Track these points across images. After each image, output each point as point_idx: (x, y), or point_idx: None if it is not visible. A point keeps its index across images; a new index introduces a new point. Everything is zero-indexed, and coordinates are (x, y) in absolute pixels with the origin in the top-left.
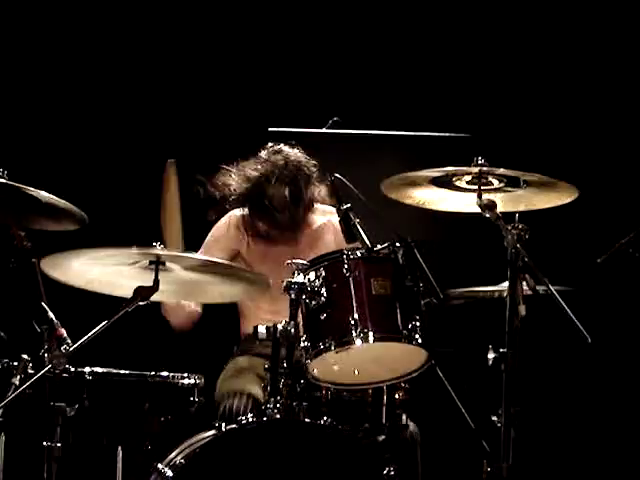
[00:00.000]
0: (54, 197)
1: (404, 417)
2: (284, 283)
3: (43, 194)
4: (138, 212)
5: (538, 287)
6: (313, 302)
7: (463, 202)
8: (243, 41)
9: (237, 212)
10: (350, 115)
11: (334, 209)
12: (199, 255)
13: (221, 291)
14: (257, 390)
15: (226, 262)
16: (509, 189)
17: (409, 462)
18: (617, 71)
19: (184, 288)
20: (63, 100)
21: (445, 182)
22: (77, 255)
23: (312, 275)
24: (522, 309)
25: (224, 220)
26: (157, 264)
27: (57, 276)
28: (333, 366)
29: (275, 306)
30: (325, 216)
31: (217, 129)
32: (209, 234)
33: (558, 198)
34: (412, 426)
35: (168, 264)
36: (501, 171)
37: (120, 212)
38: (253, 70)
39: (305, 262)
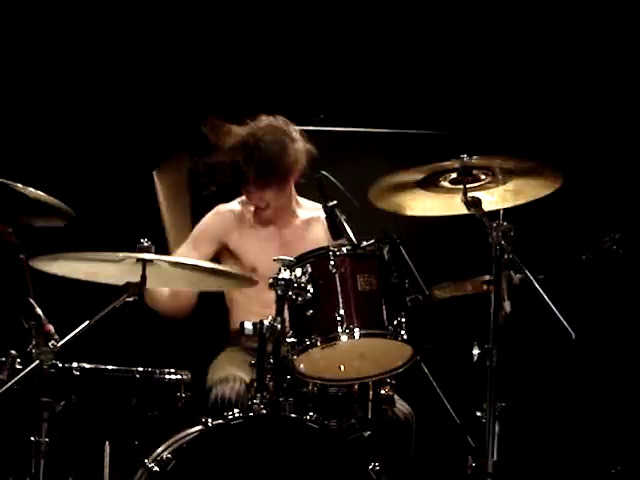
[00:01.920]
0: (41, 193)
1: (396, 399)
2: (270, 280)
3: (30, 190)
4: (126, 207)
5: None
6: (299, 298)
7: (450, 206)
8: (228, 38)
9: (225, 205)
10: (334, 112)
11: None
12: (185, 259)
13: (209, 284)
14: (247, 377)
15: (213, 265)
16: (494, 184)
17: (402, 445)
18: (599, 62)
19: (172, 281)
20: (50, 96)
21: (430, 183)
22: (63, 258)
23: (298, 271)
24: (507, 305)
25: (212, 213)
26: (144, 262)
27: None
28: (319, 362)
29: (264, 298)
30: (315, 211)
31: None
32: (196, 227)
33: (543, 187)
34: (406, 408)
35: (156, 261)
36: (482, 162)
37: (108, 207)
38: (238, 67)
39: (291, 258)
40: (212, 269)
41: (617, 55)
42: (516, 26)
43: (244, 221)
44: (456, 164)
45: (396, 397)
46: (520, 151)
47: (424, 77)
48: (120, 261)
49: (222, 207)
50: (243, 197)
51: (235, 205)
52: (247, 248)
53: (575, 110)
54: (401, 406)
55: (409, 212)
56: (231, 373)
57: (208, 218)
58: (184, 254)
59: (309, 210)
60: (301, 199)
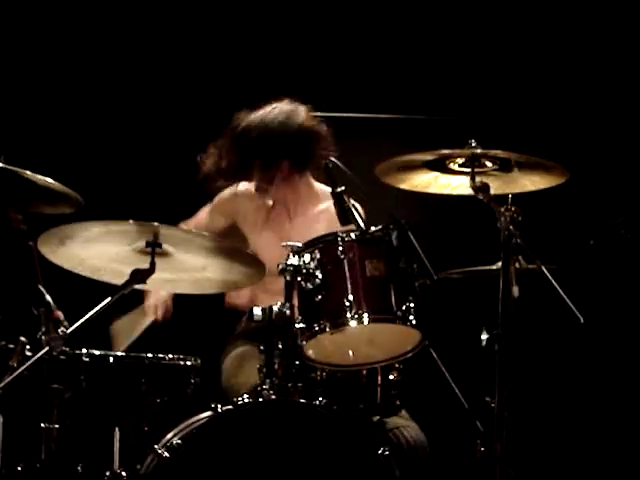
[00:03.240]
0: (50, 180)
1: (410, 425)
2: (279, 266)
3: (39, 177)
4: (136, 196)
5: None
6: (308, 284)
7: (456, 184)
8: (234, 27)
9: (247, 185)
10: (342, 98)
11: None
12: (195, 231)
13: (219, 277)
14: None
15: (226, 242)
16: (501, 172)
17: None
18: (605, 55)
19: (182, 276)
20: (57, 84)
21: (438, 165)
22: (72, 231)
23: (307, 257)
24: (515, 290)
25: (228, 190)
26: (154, 246)
27: (53, 259)
28: (328, 347)
29: (269, 285)
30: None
31: (211, 113)
32: (217, 197)
33: (549, 180)
34: (419, 436)
35: (165, 247)
36: (493, 153)
37: (118, 196)
38: (245, 53)
39: (299, 244)
40: (227, 246)
41: (620, 50)
42: (528, 20)
43: (259, 208)
44: (466, 152)
45: (410, 424)
46: (527, 141)
47: (432, 63)
48: (131, 244)
49: (242, 185)
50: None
51: (240, 187)
52: (254, 235)
53: (581, 101)
54: (415, 434)
55: (414, 189)
56: (248, 381)
57: (225, 193)
58: (201, 221)
59: (322, 196)
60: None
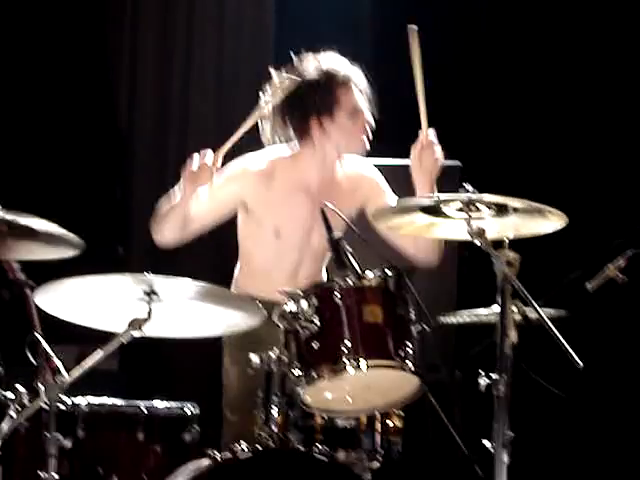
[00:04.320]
0: (48, 224)
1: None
2: (281, 308)
3: (36, 222)
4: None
5: (528, 311)
6: (305, 330)
7: (452, 228)
8: None
9: (254, 162)
10: None
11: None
12: (189, 281)
13: (219, 321)
14: None
15: (219, 287)
16: (498, 216)
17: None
18: (604, 98)
19: (179, 321)
20: (51, 127)
21: (434, 210)
22: (68, 284)
23: (304, 303)
24: (513, 335)
25: (239, 169)
26: (150, 294)
27: (49, 310)
28: (326, 394)
29: (285, 265)
30: (360, 169)
31: None
32: (220, 177)
33: (546, 225)
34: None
35: (161, 295)
36: (488, 198)
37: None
38: None
39: (297, 291)
40: (222, 293)
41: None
42: (527, 62)
43: (272, 179)
44: (463, 197)
45: None
46: (524, 182)
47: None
48: (127, 294)
49: (250, 166)
50: (275, 151)
51: (264, 163)
52: (274, 210)
53: (576, 142)
54: None
55: (406, 233)
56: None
57: (236, 168)
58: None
59: (352, 168)
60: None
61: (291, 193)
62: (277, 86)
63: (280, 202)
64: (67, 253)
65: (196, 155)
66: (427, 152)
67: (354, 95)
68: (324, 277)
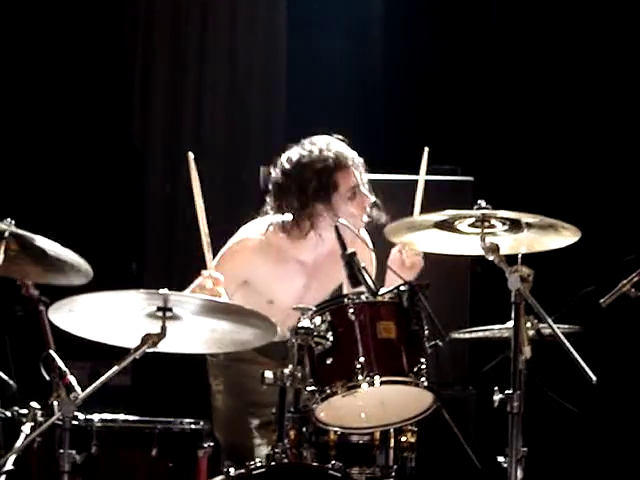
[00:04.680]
0: (61, 249)
1: None
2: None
3: (49, 245)
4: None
5: (542, 326)
6: (319, 346)
7: (466, 244)
8: None
9: (250, 236)
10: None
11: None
12: (204, 296)
13: (231, 338)
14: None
15: (233, 303)
16: (511, 232)
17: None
18: (617, 115)
19: (192, 337)
20: (65, 144)
21: (447, 226)
22: (82, 301)
23: (318, 319)
24: (527, 350)
25: (236, 246)
26: (164, 310)
27: (63, 325)
28: (340, 410)
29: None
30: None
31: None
32: (219, 256)
33: (560, 240)
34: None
35: (175, 310)
36: (502, 214)
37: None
38: None
39: (311, 307)
40: (237, 309)
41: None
42: (538, 76)
43: (269, 252)
44: (477, 213)
45: None
46: (538, 196)
47: (441, 124)
48: (141, 311)
49: (248, 240)
50: (269, 221)
51: (259, 234)
52: (269, 282)
53: (588, 156)
54: None
55: (422, 248)
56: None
57: (233, 253)
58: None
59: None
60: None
61: (286, 266)
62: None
63: (275, 274)
64: (75, 281)
65: (204, 272)
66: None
67: (352, 177)
68: None
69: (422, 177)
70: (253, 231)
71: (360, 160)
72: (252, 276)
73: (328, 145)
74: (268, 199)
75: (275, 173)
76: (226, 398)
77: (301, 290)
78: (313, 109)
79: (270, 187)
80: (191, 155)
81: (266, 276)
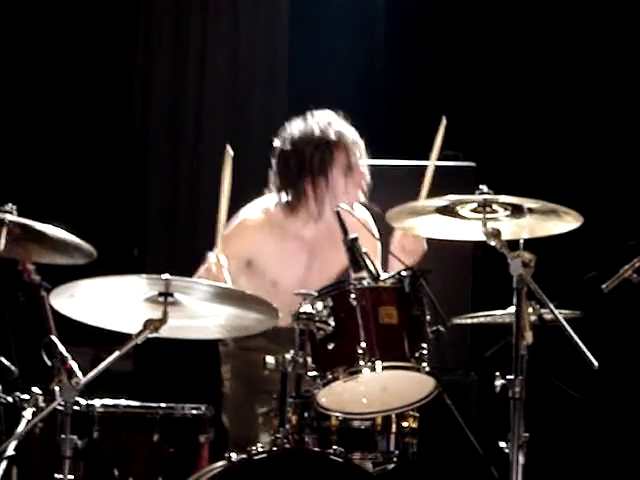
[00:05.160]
0: (63, 232)
1: None
2: (292, 313)
3: (51, 229)
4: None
5: (544, 312)
6: (321, 332)
7: (468, 230)
8: None
9: (251, 216)
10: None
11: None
12: (206, 281)
13: (233, 323)
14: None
15: (235, 289)
16: (513, 217)
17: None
18: (619, 99)
19: (193, 323)
20: (66, 129)
21: (449, 211)
22: (83, 286)
23: (319, 305)
24: (529, 336)
25: (238, 226)
26: (166, 296)
27: (64, 311)
28: (341, 395)
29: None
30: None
31: None
32: (222, 238)
33: (562, 225)
34: None
35: (177, 296)
36: (504, 199)
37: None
38: None
39: (313, 292)
40: (240, 295)
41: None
42: (542, 63)
43: (271, 230)
44: (479, 198)
45: None
46: (539, 182)
47: (444, 109)
48: (142, 295)
49: (248, 220)
50: (269, 200)
51: (260, 212)
52: (272, 261)
53: (591, 141)
54: None
55: (423, 233)
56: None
57: (235, 233)
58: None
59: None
60: None
61: (287, 243)
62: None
63: (277, 252)
64: (79, 260)
65: (211, 255)
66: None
67: (348, 152)
68: None
69: (437, 146)
70: (254, 211)
71: (359, 138)
72: (255, 255)
73: (329, 121)
74: (270, 175)
75: (276, 147)
76: (233, 385)
77: (303, 271)
78: (314, 94)
79: (272, 161)
80: (230, 151)
81: (269, 254)
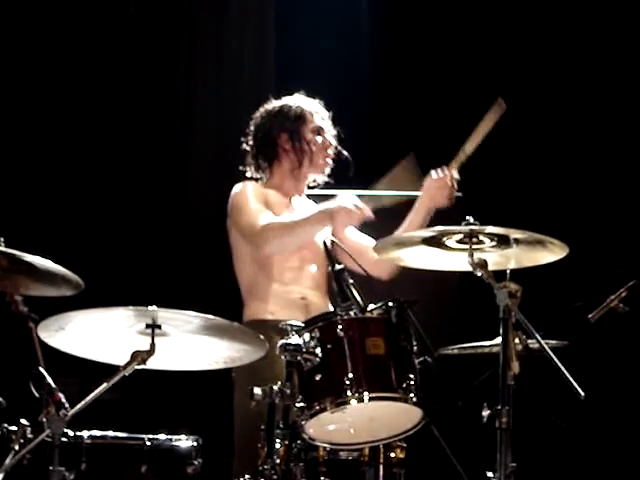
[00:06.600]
0: (50, 263)
1: None
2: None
3: (39, 261)
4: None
5: (530, 342)
6: (308, 363)
7: (454, 260)
8: None
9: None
10: (342, 176)
11: None
12: (193, 313)
13: (221, 354)
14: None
15: (223, 320)
16: (499, 248)
17: None
18: (604, 130)
19: (182, 354)
20: (56, 164)
21: (435, 242)
22: (71, 318)
23: (307, 336)
24: (515, 366)
25: (249, 185)
26: (153, 327)
27: (52, 343)
28: (329, 426)
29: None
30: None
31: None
32: (240, 203)
33: (548, 255)
34: None
35: (164, 328)
36: (490, 229)
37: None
38: None
39: (300, 323)
40: (229, 327)
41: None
42: (525, 93)
43: (268, 202)
44: (465, 229)
45: None
46: (525, 213)
47: (430, 138)
48: (130, 327)
49: (249, 183)
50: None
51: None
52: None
53: (576, 172)
54: None
55: (409, 264)
56: None
57: (248, 192)
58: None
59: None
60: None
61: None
62: None
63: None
64: (67, 292)
65: (351, 196)
66: (445, 190)
67: (319, 118)
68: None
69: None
70: (246, 182)
71: (328, 115)
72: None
73: (298, 98)
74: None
75: (250, 130)
76: (239, 392)
77: None
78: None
79: (249, 139)
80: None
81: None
